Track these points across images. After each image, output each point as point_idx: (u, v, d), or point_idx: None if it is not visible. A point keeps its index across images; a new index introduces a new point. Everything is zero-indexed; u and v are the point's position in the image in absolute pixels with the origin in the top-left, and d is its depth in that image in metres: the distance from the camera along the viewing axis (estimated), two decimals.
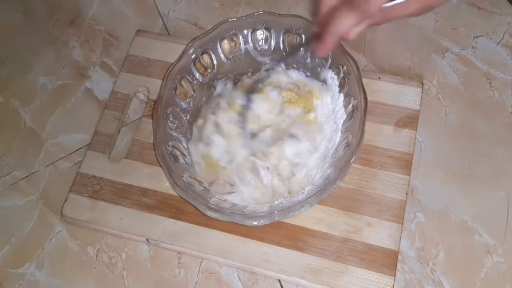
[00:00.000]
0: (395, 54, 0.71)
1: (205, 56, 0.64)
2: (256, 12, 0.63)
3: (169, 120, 0.61)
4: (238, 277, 0.60)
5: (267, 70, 0.66)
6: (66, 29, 0.77)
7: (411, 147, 0.62)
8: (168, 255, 0.61)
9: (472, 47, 0.70)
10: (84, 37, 0.77)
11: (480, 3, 0.73)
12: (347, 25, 0.49)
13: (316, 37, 0.54)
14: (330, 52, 0.61)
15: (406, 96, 0.65)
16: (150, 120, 0.66)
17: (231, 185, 0.60)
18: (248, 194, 0.60)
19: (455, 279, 0.58)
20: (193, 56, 0.63)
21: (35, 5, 0.80)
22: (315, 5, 0.53)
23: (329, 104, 0.63)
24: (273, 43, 0.65)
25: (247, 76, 0.67)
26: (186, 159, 0.61)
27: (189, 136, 0.63)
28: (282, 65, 0.66)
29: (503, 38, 0.71)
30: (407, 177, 0.61)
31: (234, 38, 0.64)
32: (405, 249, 0.60)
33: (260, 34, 0.64)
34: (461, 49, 0.70)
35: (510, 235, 0.59)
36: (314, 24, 0.58)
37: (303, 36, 0.63)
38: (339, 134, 0.60)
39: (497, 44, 0.70)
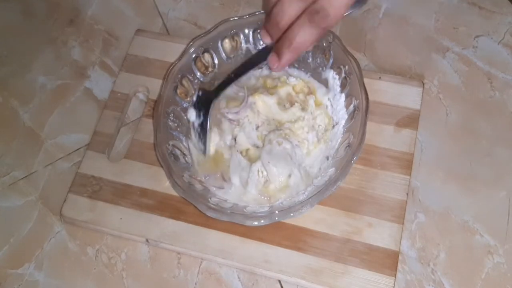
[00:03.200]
0: (395, 53, 0.71)
1: (206, 55, 0.64)
2: (258, 12, 0.62)
3: (170, 119, 0.61)
4: (238, 278, 0.60)
5: (268, 69, 0.66)
6: (66, 28, 0.77)
7: (411, 147, 0.62)
8: (168, 256, 0.61)
9: (473, 47, 0.70)
10: (83, 37, 0.76)
11: (481, 3, 0.73)
12: (308, 41, 0.48)
13: (270, 49, 0.53)
14: (331, 52, 0.61)
15: (407, 96, 0.65)
16: (150, 120, 0.66)
17: (225, 181, 0.60)
18: (235, 193, 0.59)
19: (456, 279, 0.58)
20: (194, 55, 0.63)
21: (35, 4, 0.80)
22: (270, 20, 0.50)
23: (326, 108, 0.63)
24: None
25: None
26: (186, 159, 0.61)
27: (189, 135, 0.63)
28: None
29: (504, 37, 0.70)
30: (408, 177, 0.61)
31: (235, 38, 0.64)
32: (405, 249, 0.59)
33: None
34: (462, 49, 0.70)
35: (511, 235, 0.59)
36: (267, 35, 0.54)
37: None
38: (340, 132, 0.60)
39: (498, 44, 0.70)
